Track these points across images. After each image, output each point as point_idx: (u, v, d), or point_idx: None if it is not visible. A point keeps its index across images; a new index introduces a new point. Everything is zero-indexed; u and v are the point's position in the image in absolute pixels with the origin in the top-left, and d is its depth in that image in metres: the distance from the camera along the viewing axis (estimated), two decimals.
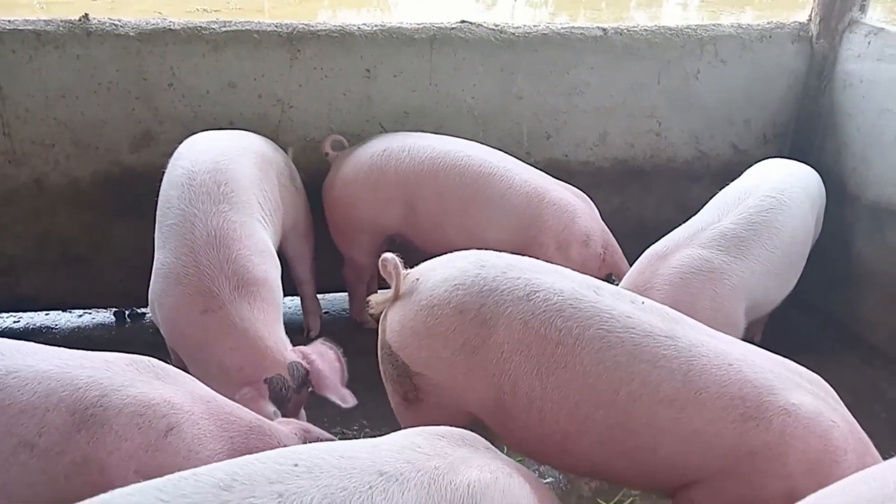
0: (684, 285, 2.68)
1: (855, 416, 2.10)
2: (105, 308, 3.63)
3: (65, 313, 3.63)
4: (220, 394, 2.11)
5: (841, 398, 2.17)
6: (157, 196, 2.71)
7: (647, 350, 1.97)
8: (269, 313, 2.46)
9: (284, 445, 1.94)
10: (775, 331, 3.74)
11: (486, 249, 3.00)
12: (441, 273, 2.15)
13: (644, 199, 3.91)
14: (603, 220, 3.31)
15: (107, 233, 3.33)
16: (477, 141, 3.38)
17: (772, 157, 3.94)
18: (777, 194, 2.97)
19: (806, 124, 3.92)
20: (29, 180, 3.19)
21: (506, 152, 3.41)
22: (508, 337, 2.00)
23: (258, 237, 2.61)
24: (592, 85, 3.60)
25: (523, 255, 3.16)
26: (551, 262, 3.01)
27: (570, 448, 2.10)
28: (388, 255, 2.19)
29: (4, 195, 3.19)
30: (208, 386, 2.10)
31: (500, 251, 3.05)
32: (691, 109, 3.77)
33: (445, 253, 2.47)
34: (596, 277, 2.89)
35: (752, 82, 3.79)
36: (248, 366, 2.35)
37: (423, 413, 2.18)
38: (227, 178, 2.65)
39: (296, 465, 1.50)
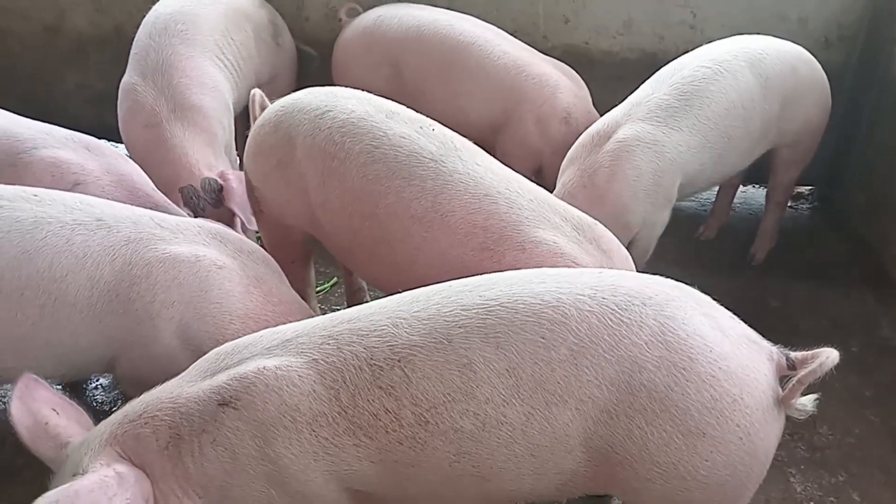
0: (631, 158, 2.63)
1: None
2: None
3: None
4: None
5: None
6: None
7: (406, 168, 2.06)
8: (199, 136, 2.86)
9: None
10: (803, 253, 3.45)
11: (467, 122, 3.18)
12: (283, 99, 2.38)
13: None
14: None
15: None
16: (490, 21, 3.46)
17: (833, 64, 3.54)
18: (713, 64, 2.76)
19: (877, 25, 3.41)
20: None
21: (520, 36, 3.45)
22: (303, 152, 2.20)
23: (204, 71, 3.00)
24: None
25: (503, 131, 3.24)
26: (530, 139, 3.12)
27: (354, 260, 2.29)
28: (255, 89, 2.49)
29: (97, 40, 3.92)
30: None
31: (482, 125, 3.22)
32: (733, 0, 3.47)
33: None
34: None
35: None
36: (171, 177, 2.78)
37: (264, 225, 2.49)
38: (186, 18, 3.08)
39: (35, 195, 1.92)
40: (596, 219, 2.13)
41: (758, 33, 3.45)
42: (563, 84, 3.17)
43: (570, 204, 2.56)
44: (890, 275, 3.22)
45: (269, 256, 2.20)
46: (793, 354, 1.58)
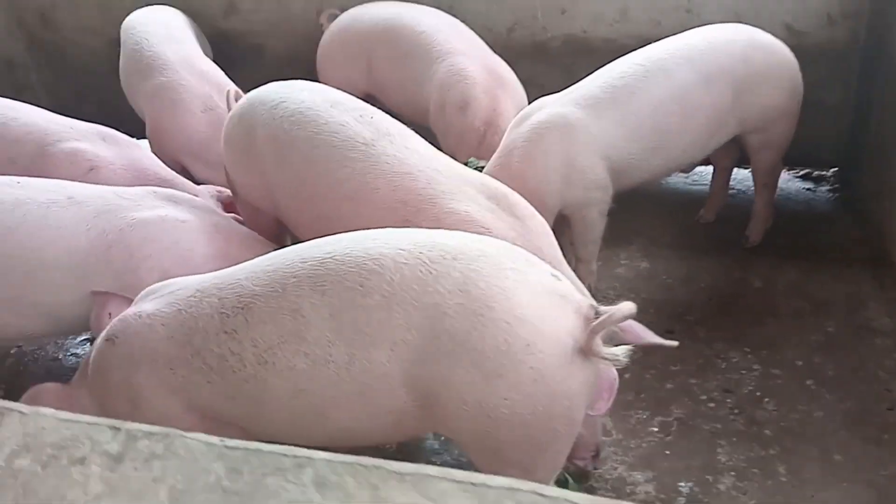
0: (539, 140, 2.76)
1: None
2: None
3: None
4: None
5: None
6: None
7: (341, 152, 2.31)
8: None
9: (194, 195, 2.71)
10: (806, 235, 3.38)
11: (422, 107, 3.39)
12: (248, 94, 2.68)
13: None
14: None
15: None
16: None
17: (839, 42, 3.45)
18: (646, 62, 2.83)
19: (882, 2, 3.27)
20: None
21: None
22: (261, 140, 2.49)
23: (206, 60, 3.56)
24: None
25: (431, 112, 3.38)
26: (438, 122, 3.32)
27: (303, 237, 2.44)
28: (231, 85, 2.80)
29: None
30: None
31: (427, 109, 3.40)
32: None
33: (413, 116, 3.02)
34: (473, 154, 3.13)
35: None
36: None
37: (240, 206, 2.79)
38: (173, 23, 3.69)
39: (18, 182, 2.32)
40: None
41: (755, 14, 3.44)
42: (471, 76, 3.22)
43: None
44: (891, 258, 3.09)
45: (216, 208, 2.54)
46: (602, 308, 1.68)
